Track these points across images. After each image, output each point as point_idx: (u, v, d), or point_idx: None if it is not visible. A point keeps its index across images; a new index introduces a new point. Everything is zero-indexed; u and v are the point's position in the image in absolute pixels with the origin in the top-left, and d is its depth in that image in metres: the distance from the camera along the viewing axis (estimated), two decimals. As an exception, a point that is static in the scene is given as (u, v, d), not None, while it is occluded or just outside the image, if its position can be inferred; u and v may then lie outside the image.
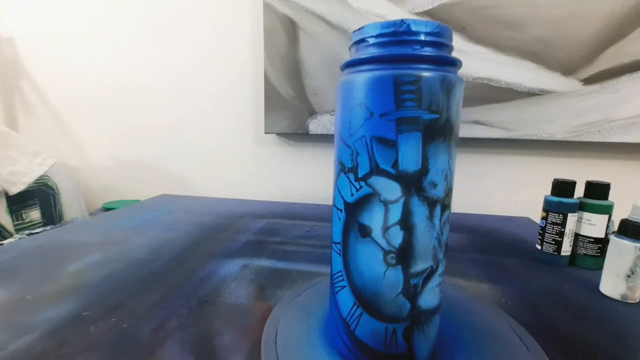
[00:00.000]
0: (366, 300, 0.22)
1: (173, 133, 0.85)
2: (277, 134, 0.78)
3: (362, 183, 0.21)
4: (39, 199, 0.78)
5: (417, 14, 0.65)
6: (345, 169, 0.22)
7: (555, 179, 0.43)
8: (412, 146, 0.20)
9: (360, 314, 0.22)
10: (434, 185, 0.20)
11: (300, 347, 0.25)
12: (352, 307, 0.23)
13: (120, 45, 0.84)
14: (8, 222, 0.73)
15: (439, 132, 0.20)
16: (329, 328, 0.27)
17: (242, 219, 0.61)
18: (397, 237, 0.21)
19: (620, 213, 0.40)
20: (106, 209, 0.81)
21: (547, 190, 0.44)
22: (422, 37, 0.20)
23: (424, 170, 0.20)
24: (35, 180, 0.76)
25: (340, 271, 0.23)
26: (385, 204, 0.21)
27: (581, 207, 0.42)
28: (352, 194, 0.22)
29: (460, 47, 0.64)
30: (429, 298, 0.22)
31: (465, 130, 0.67)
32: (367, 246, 0.22)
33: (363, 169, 0.21)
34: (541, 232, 0.44)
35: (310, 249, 0.47)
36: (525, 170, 0.70)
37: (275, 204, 0.74)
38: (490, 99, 0.65)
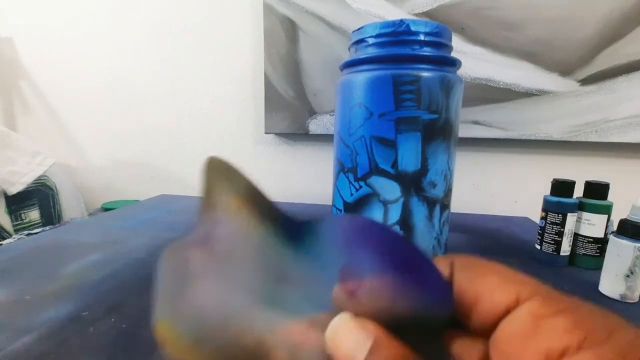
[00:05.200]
0: (366, 300, 0.22)
1: (173, 133, 0.85)
2: (277, 134, 0.78)
3: (362, 183, 0.21)
4: (38, 199, 0.77)
5: (416, 14, 0.65)
6: (344, 169, 0.22)
7: (554, 179, 0.43)
8: (411, 146, 0.20)
9: (360, 314, 0.22)
10: (434, 185, 0.21)
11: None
12: (352, 307, 0.23)
13: (120, 45, 0.83)
14: (7, 223, 0.72)
15: (438, 132, 0.20)
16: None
17: (241, 219, 0.61)
18: (396, 236, 0.21)
19: (619, 213, 0.40)
20: (105, 209, 0.81)
21: (547, 190, 0.44)
22: (422, 37, 0.20)
23: (423, 170, 0.20)
24: (34, 180, 0.75)
25: (340, 271, 0.23)
26: (385, 204, 0.21)
27: (580, 207, 0.42)
28: (352, 194, 0.22)
29: (459, 47, 0.64)
30: (428, 298, 0.22)
31: (464, 130, 0.67)
32: (366, 246, 0.21)
33: (362, 169, 0.21)
34: (540, 232, 0.44)
35: (310, 249, 0.47)
36: (525, 170, 0.70)
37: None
38: (489, 99, 0.65)
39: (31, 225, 0.76)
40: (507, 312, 0.09)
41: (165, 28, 0.80)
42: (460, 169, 0.72)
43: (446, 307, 0.10)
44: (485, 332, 0.10)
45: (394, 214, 0.21)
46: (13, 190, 0.72)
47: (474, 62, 0.64)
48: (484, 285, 0.10)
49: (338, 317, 0.11)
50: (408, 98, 0.20)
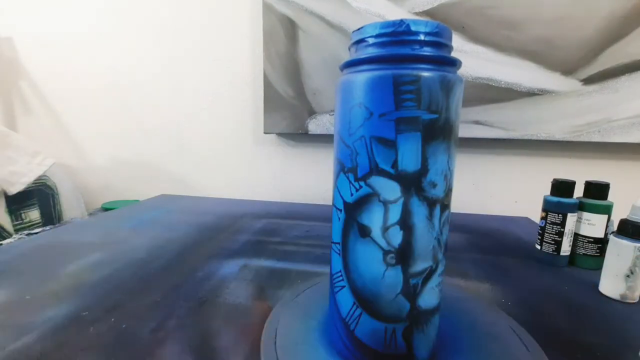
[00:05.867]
0: (366, 300, 0.22)
1: (172, 133, 0.85)
2: (277, 134, 0.78)
3: (362, 183, 0.21)
4: (38, 199, 0.77)
5: (416, 13, 0.65)
6: (344, 169, 0.22)
7: (554, 179, 0.43)
8: (411, 146, 0.20)
9: (360, 314, 0.22)
10: (434, 185, 0.20)
11: (299, 347, 0.25)
12: (352, 307, 0.23)
13: (120, 45, 0.83)
14: (7, 223, 0.73)
15: (438, 132, 0.20)
16: (328, 328, 0.27)
17: (241, 219, 0.61)
18: (396, 237, 0.21)
19: (619, 213, 0.40)
20: (105, 209, 0.81)
21: (547, 190, 0.44)
22: (422, 37, 0.20)
23: (424, 170, 0.20)
24: (35, 180, 0.75)
25: (340, 271, 0.23)
26: (385, 204, 0.21)
27: (580, 207, 0.42)
28: (352, 194, 0.22)
29: (459, 47, 0.64)
30: (428, 298, 0.22)
31: (465, 130, 0.67)
32: (366, 246, 0.21)
33: (362, 169, 0.21)
34: (541, 232, 0.44)
35: (310, 249, 0.47)
36: (525, 170, 0.70)
37: (275, 204, 0.74)
38: (490, 99, 0.65)
39: (31, 225, 0.76)
40: None
41: (165, 28, 0.80)
42: (460, 169, 0.72)
43: None
44: None
45: (394, 214, 0.21)
46: (13, 190, 0.72)
47: (475, 61, 0.64)
48: None
49: None
50: (408, 98, 0.20)
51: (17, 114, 0.93)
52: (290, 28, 0.70)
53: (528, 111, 0.64)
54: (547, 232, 0.43)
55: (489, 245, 0.51)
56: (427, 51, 0.20)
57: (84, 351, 0.25)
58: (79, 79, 0.87)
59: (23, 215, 0.75)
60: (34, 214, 0.77)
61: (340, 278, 0.23)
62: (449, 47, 0.21)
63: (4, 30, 0.88)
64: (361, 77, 0.20)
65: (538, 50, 0.62)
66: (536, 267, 0.43)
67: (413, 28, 0.19)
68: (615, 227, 0.37)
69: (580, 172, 0.67)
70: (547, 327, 0.30)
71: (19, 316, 0.30)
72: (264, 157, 0.82)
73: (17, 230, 0.73)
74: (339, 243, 0.23)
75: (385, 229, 0.21)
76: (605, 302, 0.35)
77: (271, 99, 0.74)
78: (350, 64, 0.22)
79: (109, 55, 0.84)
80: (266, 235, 0.53)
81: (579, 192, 0.43)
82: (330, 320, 0.26)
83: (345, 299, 0.23)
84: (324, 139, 0.77)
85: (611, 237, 0.35)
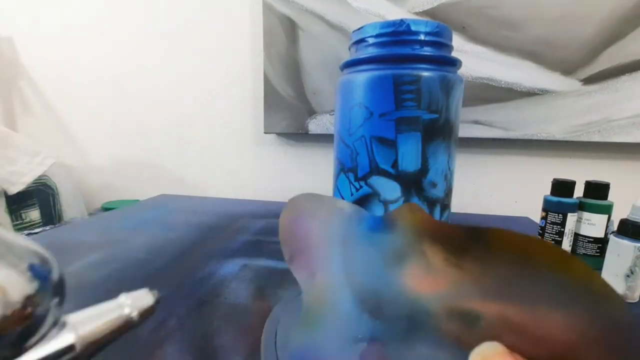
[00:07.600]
0: (366, 300, 0.22)
1: (172, 133, 0.85)
2: (277, 134, 0.78)
3: (362, 183, 0.21)
4: (38, 199, 0.77)
5: (416, 13, 0.65)
6: (344, 169, 0.22)
7: (554, 179, 0.43)
8: (411, 146, 0.20)
9: (360, 314, 0.22)
10: (434, 185, 0.20)
11: (299, 347, 0.25)
12: (352, 307, 0.23)
13: (120, 45, 0.83)
14: (7, 222, 0.73)
15: (438, 131, 0.20)
16: (328, 328, 0.27)
17: (241, 219, 0.61)
18: (396, 237, 0.21)
19: (619, 213, 0.40)
20: (105, 209, 0.81)
21: (547, 190, 0.44)
22: (422, 37, 0.20)
23: (424, 170, 0.20)
24: (35, 180, 0.75)
25: (340, 271, 0.23)
26: (385, 203, 0.21)
27: (581, 207, 0.42)
28: (352, 194, 0.22)
29: (460, 46, 0.64)
30: (428, 298, 0.22)
31: (464, 130, 0.67)
32: (366, 246, 0.21)
33: (363, 168, 0.21)
34: (541, 232, 0.44)
35: (310, 249, 0.47)
36: (525, 170, 0.70)
37: (275, 204, 0.74)
38: (490, 98, 0.65)
39: (31, 225, 0.76)
40: None
41: (165, 28, 0.80)
42: (460, 169, 0.72)
43: None
44: None
45: (394, 214, 0.21)
46: (13, 190, 0.72)
47: (475, 61, 0.64)
48: None
49: (491, 345, 0.11)
50: (408, 98, 0.20)
51: (17, 114, 0.93)
52: (290, 28, 0.70)
53: (528, 111, 0.64)
54: (547, 232, 0.43)
55: (489, 245, 0.50)
56: (427, 51, 0.20)
57: (84, 351, 0.25)
58: (79, 79, 0.87)
59: (23, 215, 0.75)
60: (34, 214, 0.77)
61: (341, 278, 0.23)
62: (449, 47, 0.21)
63: (4, 30, 0.88)
64: (361, 77, 0.20)
65: (538, 50, 0.62)
66: (536, 267, 0.43)
67: (413, 28, 0.19)
68: (615, 227, 0.37)
69: (580, 172, 0.67)
70: (547, 327, 0.30)
71: (19, 316, 0.30)
72: (264, 157, 0.82)
73: (17, 230, 0.73)
74: (339, 243, 0.23)
75: (385, 229, 0.21)
76: (606, 302, 0.34)
77: (271, 99, 0.74)
78: (351, 64, 0.22)
79: (109, 55, 0.84)
80: (266, 235, 0.53)
81: (579, 192, 0.43)
82: (331, 320, 0.26)
83: (346, 299, 0.23)
84: (324, 139, 0.77)
85: (611, 237, 0.35)
